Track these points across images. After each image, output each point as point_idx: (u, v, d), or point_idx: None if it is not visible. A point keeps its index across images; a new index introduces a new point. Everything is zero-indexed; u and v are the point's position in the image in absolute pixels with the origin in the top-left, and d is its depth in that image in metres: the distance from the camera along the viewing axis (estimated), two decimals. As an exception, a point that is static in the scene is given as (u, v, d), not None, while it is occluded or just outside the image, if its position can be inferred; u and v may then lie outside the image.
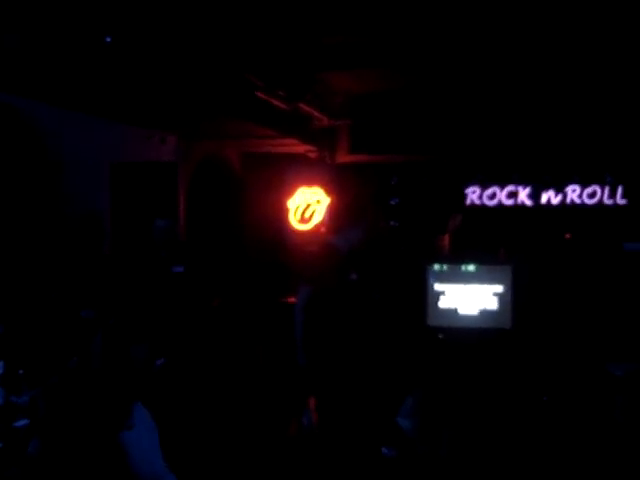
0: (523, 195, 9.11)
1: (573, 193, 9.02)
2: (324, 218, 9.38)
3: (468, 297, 6.35)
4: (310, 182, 9.44)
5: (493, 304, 6.33)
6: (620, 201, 8.81)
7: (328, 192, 9.40)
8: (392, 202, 9.54)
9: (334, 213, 5.62)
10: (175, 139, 8.42)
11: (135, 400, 3.34)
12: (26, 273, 5.55)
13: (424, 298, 6.38)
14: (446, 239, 8.96)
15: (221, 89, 6.01)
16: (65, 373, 4.04)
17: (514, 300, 6.33)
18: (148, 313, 5.20)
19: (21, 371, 4.37)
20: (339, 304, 5.23)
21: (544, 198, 9.07)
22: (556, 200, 9.05)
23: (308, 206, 9.43)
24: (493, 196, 9.20)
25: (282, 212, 9.52)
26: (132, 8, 4.41)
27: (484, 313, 6.34)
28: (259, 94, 6.54)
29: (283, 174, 9.57)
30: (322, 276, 5.26)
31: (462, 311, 6.36)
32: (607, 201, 8.92)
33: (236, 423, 5.77)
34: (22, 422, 4.03)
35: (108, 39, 4.26)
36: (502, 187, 9.18)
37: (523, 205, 9.10)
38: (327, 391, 4.91)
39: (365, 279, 5.39)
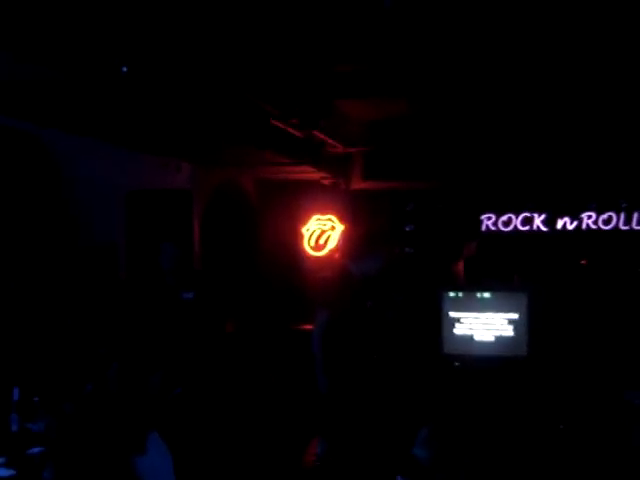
0: (538, 221, 9.09)
1: (589, 219, 9.00)
2: (338, 244, 9.39)
3: (484, 324, 6.32)
4: (324, 209, 9.47)
5: (509, 331, 6.29)
6: (636, 227, 8.78)
7: (342, 219, 9.42)
8: (407, 229, 9.54)
9: (351, 240, 5.62)
10: (190, 167, 8.47)
11: (150, 429, 3.34)
12: (42, 300, 5.58)
13: (439, 325, 6.35)
14: (461, 265, 8.94)
15: (236, 117, 6.05)
16: (80, 400, 4.03)
17: (530, 327, 6.29)
18: (162, 341, 5.20)
19: (36, 398, 4.37)
20: (356, 329, 5.22)
21: (560, 224, 9.05)
22: (572, 226, 9.02)
23: (322, 233, 9.45)
24: (508, 222, 9.18)
25: (296, 239, 9.54)
26: (148, 39, 4.46)
27: (500, 340, 6.30)
28: (274, 122, 6.58)
29: (297, 201, 9.60)
30: (339, 300, 5.25)
31: (478, 338, 6.33)
32: (623, 227, 8.89)
33: (250, 451, 5.75)
34: (37, 449, 4.02)
35: (124, 69, 4.31)
36: (517, 213, 9.17)
37: (539, 231, 9.08)
38: (344, 418, 4.89)
39: (380, 304, 5.38)
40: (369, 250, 5.33)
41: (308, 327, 8.84)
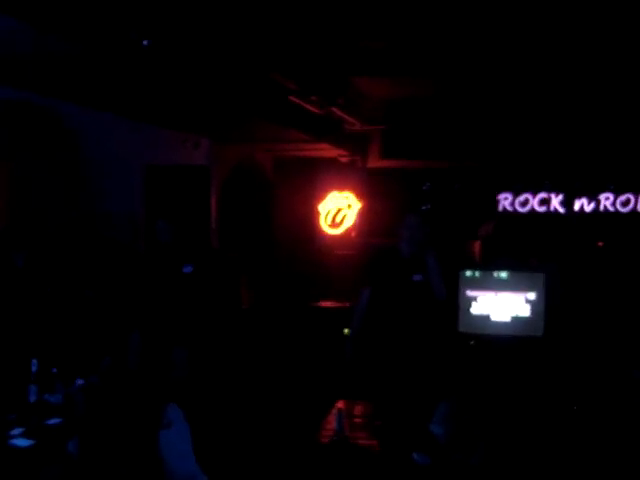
0: (556, 202, 9.06)
1: (606, 201, 8.95)
2: (355, 222, 9.39)
3: (500, 304, 6.31)
4: (341, 186, 9.46)
5: (525, 311, 6.27)
6: (654, 209, 8.74)
7: (359, 197, 9.41)
8: (423, 208, 9.51)
9: (366, 217, 5.66)
10: (208, 143, 8.47)
11: (170, 401, 3.37)
12: (60, 272, 5.61)
13: (456, 304, 6.35)
14: (477, 245, 8.92)
15: (255, 93, 6.03)
16: (103, 372, 4.07)
17: (546, 307, 6.27)
18: (177, 314, 5.23)
19: (54, 369, 4.41)
20: (399, 306, 5.28)
21: (577, 205, 9.01)
22: (589, 208, 8.98)
23: (339, 211, 9.44)
24: (525, 203, 9.15)
25: (313, 216, 9.54)
26: (170, 12, 4.45)
27: (516, 320, 6.28)
28: (292, 98, 6.56)
29: (314, 178, 9.60)
30: (380, 278, 5.32)
31: (494, 318, 6.32)
32: (641, 209, 8.85)
33: (266, 425, 5.79)
34: (55, 420, 4.06)
35: (145, 42, 4.30)
36: (535, 194, 9.13)
37: (556, 212, 9.04)
38: (363, 393, 4.94)
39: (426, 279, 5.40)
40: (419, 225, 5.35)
41: (325, 304, 8.90)
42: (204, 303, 5.36)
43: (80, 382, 4.32)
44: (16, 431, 3.87)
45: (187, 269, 5.41)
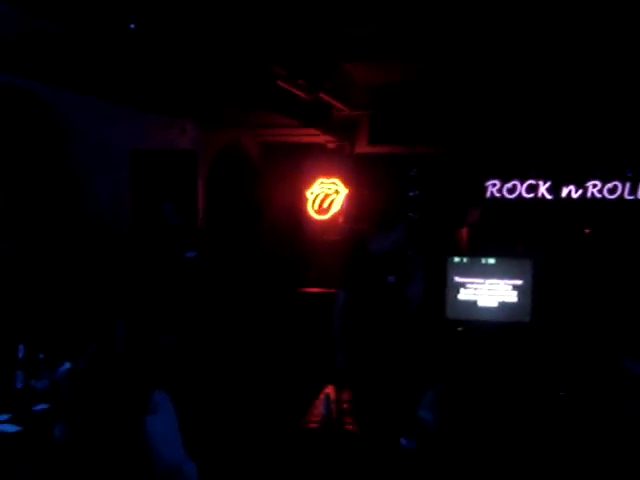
0: (543, 189, 9.08)
1: (594, 188, 8.98)
2: (342, 208, 9.38)
3: (488, 290, 6.32)
4: (329, 173, 9.45)
5: (512, 297, 6.28)
6: (641, 197, 8.77)
7: (346, 183, 9.41)
8: (411, 194, 9.51)
9: (354, 203, 5.61)
10: (195, 128, 8.43)
11: (156, 386, 3.36)
12: (46, 258, 5.58)
13: (443, 290, 6.35)
14: (465, 232, 8.93)
15: (242, 77, 6.00)
16: (89, 358, 4.05)
17: (534, 294, 6.29)
18: (165, 299, 5.21)
19: (41, 355, 4.39)
20: (375, 307, 5.24)
21: (564, 192, 9.03)
22: (576, 195, 9.01)
23: (326, 196, 9.44)
24: (513, 189, 9.16)
25: (300, 202, 9.53)
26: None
27: (503, 306, 6.29)
28: (280, 83, 6.52)
29: (302, 164, 9.58)
30: (356, 280, 5.26)
31: (481, 304, 6.33)
32: (628, 197, 8.87)
33: (253, 411, 5.78)
34: (41, 406, 4.04)
35: (132, 26, 4.26)
36: (522, 181, 9.14)
37: (543, 199, 9.06)
38: (352, 380, 4.93)
39: (402, 280, 5.36)
40: (390, 222, 5.31)
41: (312, 290, 8.90)
42: (207, 289, 5.35)
43: (67, 366, 4.30)
44: (3, 417, 3.85)
45: (190, 254, 5.39)
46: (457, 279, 6.36)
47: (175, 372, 4.56)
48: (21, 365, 4.27)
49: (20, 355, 4.28)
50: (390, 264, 5.26)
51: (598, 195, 8.95)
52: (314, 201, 9.50)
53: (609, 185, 8.95)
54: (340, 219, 9.35)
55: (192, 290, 5.38)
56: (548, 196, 9.06)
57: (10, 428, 3.73)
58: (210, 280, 5.50)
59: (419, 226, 9.20)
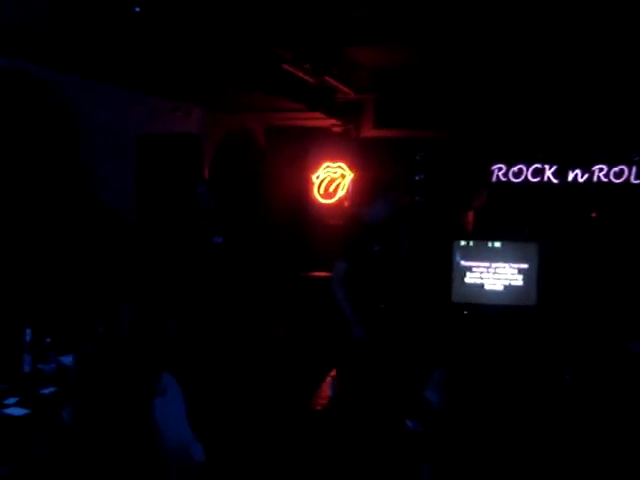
0: (549, 173, 9.04)
1: (600, 172, 8.94)
2: (348, 192, 9.37)
3: (494, 274, 6.33)
4: (334, 157, 9.43)
5: (518, 281, 6.30)
6: (647, 181, 8.74)
7: (352, 167, 9.38)
8: (417, 178, 9.48)
9: (360, 186, 5.60)
10: (200, 112, 8.41)
11: (163, 369, 3.37)
12: (52, 240, 5.58)
13: (449, 274, 6.36)
14: (470, 216, 8.92)
15: (248, 60, 5.98)
16: (97, 341, 4.06)
17: (539, 277, 6.29)
18: (177, 283, 5.22)
19: (48, 339, 4.40)
20: (375, 275, 5.26)
21: (571, 176, 8.99)
22: (583, 179, 8.97)
23: (332, 180, 9.42)
24: (519, 173, 9.13)
25: (306, 186, 9.52)
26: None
27: (509, 290, 6.31)
28: (285, 66, 6.50)
29: (307, 148, 9.56)
30: (355, 250, 5.27)
31: (487, 287, 6.34)
32: (634, 181, 8.84)
33: (258, 394, 5.80)
34: (49, 389, 4.07)
35: (137, 9, 4.24)
36: (528, 164, 9.10)
37: (549, 183, 9.03)
38: (356, 361, 4.94)
39: (389, 248, 5.38)
40: (377, 196, 5.33)
41: (317, 274, 8.90)
42: (230, 273, 5.34)
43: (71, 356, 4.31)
44: (10, 400, 3.88)
45: (217, 239, 5.36)
46: (463, 263, 6.37)
47: (183, 355, 4.57)
48: (28, 348, 4.29)
49: (27, 339, 4.30)
50: (382, 233, 5.29)
51: (604, 179, 8.91)
52: (320, 185, 9.48)
53: (615, 169, 8.90)
54: (346, 203, 9.34)
55: (217, 275, 5.37)
56: (554, 180, 9.03)
57: (18, 411, 3.75)
58: (235, 266, 5.48)
59: (425, 210, 9.19)
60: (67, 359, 4.31)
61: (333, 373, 4.70)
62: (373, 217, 5.33)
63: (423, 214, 9.02)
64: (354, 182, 9.31)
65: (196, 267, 5.36)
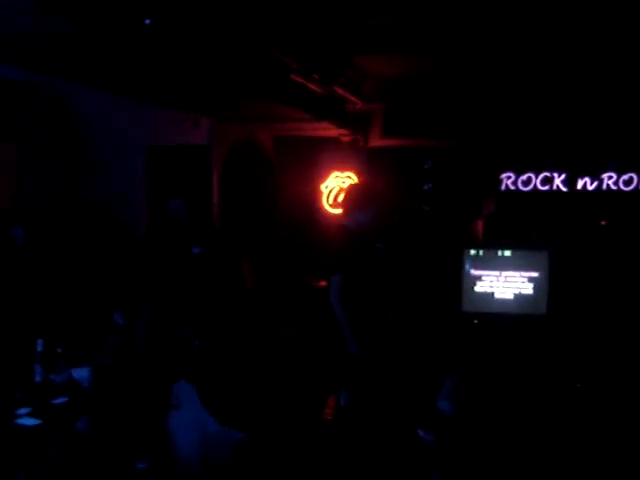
0: (558, 181, 9.04)
1: (609, 180, 8.94)
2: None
3: (504, 282, 6.32)
4: (343, 166, 9.44)
5: (528, 289, 6.29)
6: (657, 189, 8.73)
7: (361, 176, 9.39)
8: (425, 187, 9.49)
9: (345, 196, 5.55)
10: (208, 122, 8.44)
11: (179, 379, 3.38)
12: (60, 249, 5.61)
13: (459, 283, 6.35)
14: (480, 224, 8.91)
15: (256, 71, 6.00)
16: (112, 352, 4.08)
17: (550, 286, 6.28)
18: (187, 294, 5.23)
19: (59, 349, 4.42)
20: (372, 285, 5.22)
21: (580, 184, 8.99)
22: (592, 186, 8.97)
23: (341, 190, 9.43)
24: (528, 182, 9.13)
25: (315, 196, 9.53)
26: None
27: (519, 298, 6.30)
28: (294, 77, 6.52)
29: (316, 158, 9.57)
30: (348, 262, 5.20)
31: (498, 296, 6.33)
32: (644, 188, 8.84)
33: (272, 403, 5.80)
34: (61, 399, 4.08)
35: (147, 21, 4.27)
36: (537, 173, 9.11)
37: (558, 191, 9.02)
38: (368, 371, 4.92)
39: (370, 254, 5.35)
40: (363, 203, 5.29)
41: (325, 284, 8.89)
42: (211, 284, 5.35)
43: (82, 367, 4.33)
44: (22, 411, 3.89)
45: (196, 250, 5.38)
46: (473, 272, 6.37)
47: (198, 365, 4.58)
48: (40, 359, 4.31)
49: (39, 349, 4.32)
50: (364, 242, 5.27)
51: (614, 187, 8.91)
52: (329, 195, 9.50)
53: (624, 177, 8.90)
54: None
55: (198, 285, 5.39)
56: (563, 188, 9.03)
57: (30, 421, 3.77)
58: (215, 275, 5.49)
59: (434, 219, 9.20)
60: (77, 372, 4.34)
61: (344, 382, 4.70)
62: (357, 225, 5.28)
63: (432, 223, 9.03)
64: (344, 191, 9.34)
65: (181, 277, 5.38)
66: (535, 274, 6.28)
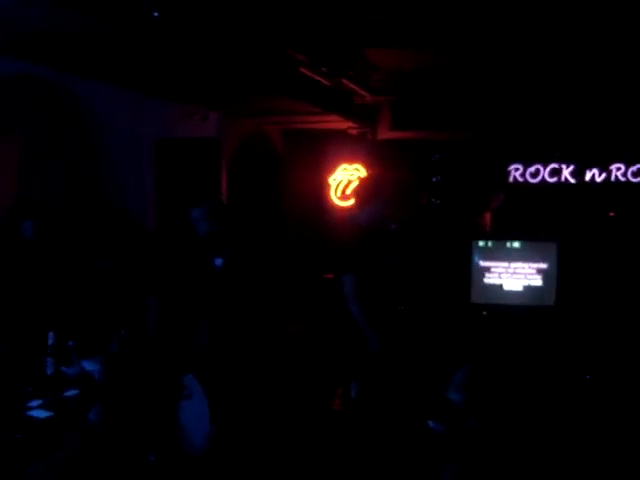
0: (567, 173, 9.01)
1: (618, 171, 8.90)
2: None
3: (512, 274, 6.31)
4: (351, 159, 9.44)
5: (537, 281, 6.28)
6: (666, 179, 8.70)
7: (369, 169, 9.39)
8: (434, 179, 9.48)
9: (357, 189, 5.52)
10: (217, 116, 8.45)
11: (188, 371, 3.39)
12: (71, 243, 5.62)
13: (468, 275, 6.35)
14: (488, 217, 8.90)
15: (265, 65, 6.01)
16: (122, 342, 4.09)
17: (559, 277, 6.27)
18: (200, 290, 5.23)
19: (71, 342, 4.44)
20: (385, 280, 5.21)
21: (588, 176, 8.96)
22: (600, 178, 8.94)
23: (349, 183, 9.43)
24: (536, 173, 9.11)
25: (323, 189, 9.53)
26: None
27: (528, 290, 6.30)
28: (303, 70, 6.53)
29: (324, 151, 9.57)
30: (360, 260, 5.18)
31: (506, 287, 6.33)
32: (652, 180, 8.81)
33: (281, 396, 5.82)
34: (72, 392, 4.10)
35: (156, 14, 4.27)
36: (545, 165, 9.08)
37: (567, 183, 9.00)
38: (379, 363, 4.92)
39: (383, 249, 5.34)
40: (370, 197, 5.28)
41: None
42: (235, 298, 5.28)
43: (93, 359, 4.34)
44: (34, 403, 3.91)
45: (218, 262, 5.28)
46: (482, 263, 6.36)
47: (207, 357, 4.60)
48: (51, 352, 4.33)
49: (50, 342, 4.34)
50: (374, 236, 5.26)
51: (622, 178, 8.87)
52: (337, 188, 9.50)
53: (633, 168, 8.87)
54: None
55: (221, 296, 5.32)
56: (572, 180, 9.00)
57: (41, 414, 3.78)
58: (239, 286, 5.41)
59: (442, 211, 9.19)
60: (88, 364, 4.36)
61: (354, 374, 4.71)
62: (366, 219, 5.26)
63: (441, 216, 9.02)
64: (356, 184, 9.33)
65: (201, 287, 5.33)
66: (544, 265, 6.28)
